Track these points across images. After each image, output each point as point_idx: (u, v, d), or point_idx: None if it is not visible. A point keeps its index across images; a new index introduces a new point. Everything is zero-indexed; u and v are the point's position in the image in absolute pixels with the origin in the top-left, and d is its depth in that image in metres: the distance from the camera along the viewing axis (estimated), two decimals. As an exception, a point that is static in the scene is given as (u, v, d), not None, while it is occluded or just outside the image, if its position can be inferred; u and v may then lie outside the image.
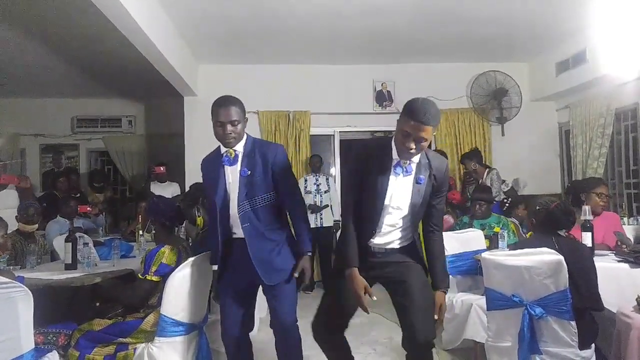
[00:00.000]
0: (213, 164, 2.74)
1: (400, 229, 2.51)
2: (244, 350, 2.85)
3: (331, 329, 2.65)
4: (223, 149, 2.71)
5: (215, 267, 2.78)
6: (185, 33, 5.40)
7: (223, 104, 2.63)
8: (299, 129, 6.63)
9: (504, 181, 5.84)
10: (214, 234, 2.74)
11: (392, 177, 2.44)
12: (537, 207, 2.87)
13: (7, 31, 5.14)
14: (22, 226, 4.16)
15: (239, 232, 2.71)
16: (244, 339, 2.84)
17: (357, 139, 6.86)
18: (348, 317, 2.65)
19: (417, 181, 2.44)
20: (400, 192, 2.45)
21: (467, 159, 5.97)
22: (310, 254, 2.73)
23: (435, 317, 2.42)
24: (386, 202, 2.44)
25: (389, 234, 2.51)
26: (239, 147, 2.70)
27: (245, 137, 2.73)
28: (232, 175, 2.69)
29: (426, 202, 2.50)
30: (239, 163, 2.68)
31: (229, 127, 2.61)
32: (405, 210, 2.46)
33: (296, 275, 2.67)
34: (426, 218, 2.56)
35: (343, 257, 2.46)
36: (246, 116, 2.73)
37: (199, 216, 4.08)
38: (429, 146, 2.60)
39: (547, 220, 2.83)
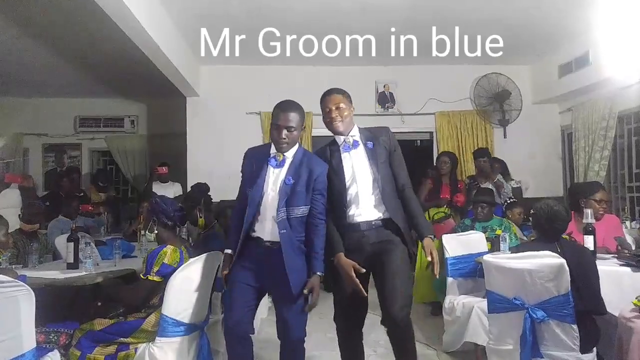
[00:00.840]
0: (258, 158, 2.73)
1: (376, 200, 2.68)
2: (246, 347, 2.80)
3: (349, 325, 2.80)
4: (273, 150, 2.70)
5: (228, 251, 2.74)
6: (188, 34, 5.40)
7: (284, 108, 2.63)
8: (301, 130, 6.62)
9: (512, 180, 5.82)
10: (239, 221, 2.71)
11: (344, 155, 2.74)
12: (532, 212, 2.91)
13: (10, 31, 5.16)
14: (24, 225, 4.17)
15: (261, 232, 2.67)
16: (246, 337, 2.80)
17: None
18: (359, 307, 2.75)
19: (366, 146, 2.73)
20: (356, 163, 2.71)
21: (480, 155, 5.91)
22: (320, 275, 2.65)
23: (429, 258, 2.55)
24: (347, 176, 2.69)
25: (368, 208, 2.68)
26: (289, 154, 2.68)
27: (297, 145, 2.73)
28: (273, 178, 2.66)
29: (387, 166, 2.72)
30: (284, 169, 2.66)
31: (284, 132, 2.59)
32: (369, 179, 2.68)
33: (306, 292, 2.60)
34: (395, 180, 2.75)
35: (329, 246, 2.65)
36: (304, 124, 2.73)
37: (200, 217, 4.09)
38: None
39: (536, 226, 2.88)
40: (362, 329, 2.86)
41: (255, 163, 2.73)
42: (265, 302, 4.63)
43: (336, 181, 2.71)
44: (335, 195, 2.71)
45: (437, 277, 2.64)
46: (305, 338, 2.72)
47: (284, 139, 2.61)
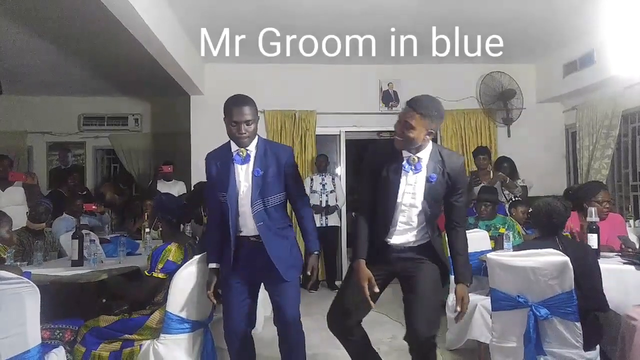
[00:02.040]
0: (221, 161, 2.74)
1: (415, 227, 2.55)
2: (247, 347, 2.86)
3: (343, 321, 2.69)
4: (234, 147, 2.72)
5: (213, 266, 2.75)
6: (192, 32, 5.41)
7: (237, 104, 2.64)
8: (305, 128, 6.63)
9: (518, 179, 5.81)
10: (216, 231, 2.74)
11: (402, 175, 2.49)
12: (530, 210, 2.90)
13: (14, 29, 5.17)
14: (30, 224, 4.18)
15: (246, 230, 2.72)
16: (247, 336, 2.85)
17: (367, 139, 6.85)
18: (358, 310, 2.67)
19: (428, 179, 2.47)
20: (411, 190, 2.49)
21: (479, 153, 5.91)
22: (318, 252, 2.81)
23: (458, 308, 2.50)
24: (398, 199, 2.50)
25: (405, 232, 2.56)
26: (251, 147, 2.71)
27: (256, 138, 2.75)
28: (243, 174, 2.69)
29: (439, 201, 2.54)
30: (251, 163, 2.69)
31: (244, 127, 2.62)
32: (417, 208, 2.51)
33: (309, 272, 2.72)
34: (447, 215, 2.61)
35: (353, 248, 2.57)
36: (257, 115, 2.74)
37: (205, 215, 4.10)
38: (436, 141, 2.62)
39: (535, 223, 2.88)
40: (360, 324, 2.79)
41: (219, 166, 2.74)
42: (269, 301, 4.63)
43: (385, 196, 2.52)
44: (380, 207, 2.55)
45: (456, 322, 2.65)
46: (305, 328, 2.80)
47: (244, 133, 2.63)
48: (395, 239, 2.56)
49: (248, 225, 2.70)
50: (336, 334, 2.73)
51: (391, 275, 2.66)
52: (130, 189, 8.18)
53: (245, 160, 2.69)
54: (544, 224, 2.85)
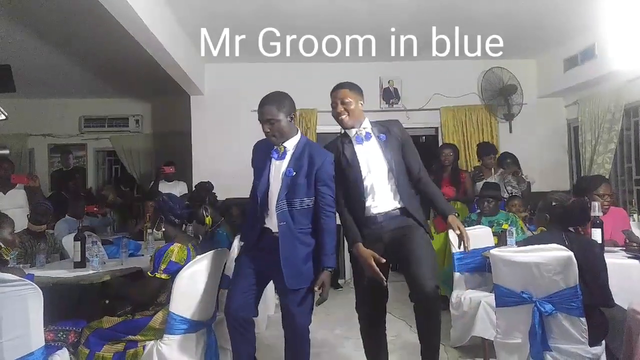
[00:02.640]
0: (263, 152, 2.77)
1: (390, 191, 2.73)
2: (247, 330, 2.76)
3: (372, 312, 2.85)
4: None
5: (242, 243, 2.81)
6: (192, 32, 5.41)
7: (261, 104, 2.67)
8: (306, 127, 6.63)
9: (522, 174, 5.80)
10: (252, 214, 2.79)
11: (357, 148, 2.75)
12: (554, 203, 2.85)
13: (14, 31, 5.17)
14: (31, 225, 4.19)
15: (270, 225, 2.71)
16: (248, 320, 2.75)
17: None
18: (380, 295, 2.81)
19: (379, 139, 2.76)
20: (370, 155, 2.74)
21: (487, 152, 5.88)
22: (331, 270, 2.65)
23: (457, 232, 2.65)
24: (363, 170, 2.70)
25: (382, 198, 2.71)
26: (290, 145, 2.70)
27: (299, 136, 2.74)
28: (276, 171, 2.69)
29: (400, 157, 2.75)
30: (286, 161, 2.68)
31: (267, 126, 2.63)
32: (384, 170, 2.72)
33: (316, 289, 2.61)
34: (408, 170, 2.79)
35: (348, 237, 2.73)
36: (292, 113, 2.69)
37: (207, 216, 4.10)
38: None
39: (564, 217, 2.82)
40: (384, 317, 2.90)
41: (260, 156, 2.78)
42: (273, 299, 4.64)
43: (352, 173, 2.73)
44: (351, 187, 2.74)
45: (468, 251, 2.73)
46: (309, 327, 2.74)
47: (269, 132, 2.64)
48: (375, 210, 2.71)
49: (272, 220, 2.69)
50: (366, 323, 2.88)
51: (386, 251, 2.70)
52: (132, 190, 8.18)
53: (282, 157, 2.69)
54: (562, 223, 2.83)
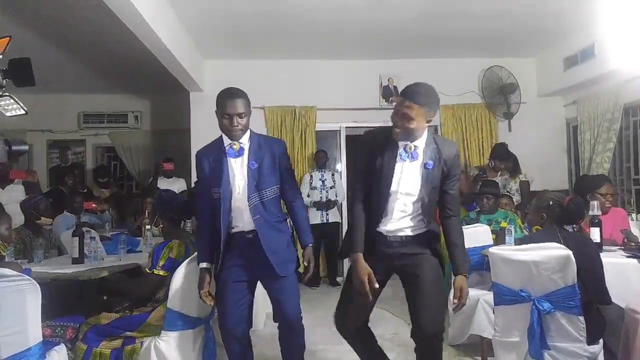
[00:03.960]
0: (214, 156, 2.69)
1: (412, 216, 2.51)
2: (245, 348, 2.78)
3: (350, 321, 2.68)
4: (226, 142, 2.68)
5: (203, 265, 2.68)
6: (191, 28, 5.40)
7: (230, 96, 2.60)
8: (305, 124, 6.62)
9: (520, 174, 5.82)
10: (206, 230, 2.69)
11: (398, 163, 2.45)
12: (551, 203, 2.84)
13: (14, 27, 5.15)
14: (45, 220, 4.20)
15: (241, 225, 2.68)
16: (244, 336, 2.76)
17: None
18: (363, 309, 2.65)
19: (425, 166, 2.44)
20: (407, 178, 2.45)
21: (500, 159, 5.86)
22: (312, 244, 2.80)
23: (455, 301, 2.46)
24: (393, 187, 2.45)
25: (401, 220, 2.50)
26: (244, 140, 2.68)
27: (248, 131, 2.72)
28: (237, 168, 2.66)
29: (437, 188, 2.50)
30: (245, 156, 2.66)
31: (236, 120, 2.59)
32: (414, 196, 2.46)
33: (305, 264, 2.72)
34: (441, 204, 2.57)
35: (350, 241, 2.50)
36: (250, 109, 2.70)
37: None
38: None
39: (562, 216, 2.82)
40: (367, 326, 2.78)
41: (212, 161, 2.69)
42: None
43: (379, 185, 2.47)
44: (373, 194, 2.50)
45: (454, 312, 2.58)
46: (301, 315, 2.76)
47: (237, 126, 2.59)
48: (390, 227, 2.51)
49: (243, 220, 2.66)
50: (343, 334, 2.71)
51: (390, 271, 2.62)
52: (111, 178, 8.02)
53: (239, 153, 2.66)
54: (559, 221, 2.83)
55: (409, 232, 2.53)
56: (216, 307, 2.80)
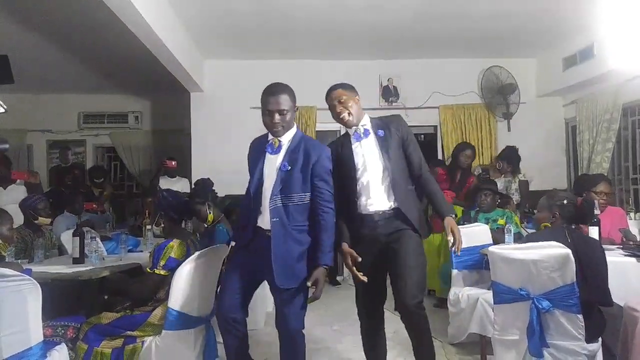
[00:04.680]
0: (258, 148, 2.70)
1: (385, 189, 2.72)
2: (238, 331, 2.68)
3: (368, 313, 2.86)
4: (270, 136, 2.65)
5: (234, 244, 2.75)
6: (191, 28, 5.40)
7: (273, 92, 2.56)
8: (305, 124, 6.63)
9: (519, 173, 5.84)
10: (245, 213, 2.71)
11: (354, 146, 2.77)
12: (565, 202, 2.86)
13: (14, 27, 5.16)
14: (43, 220, 4.19)
15: (262, 223, 2.60)
16: (239, 320, 2.67)
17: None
18: (375, 295, 2.83)
19: (378, 134, 2.75)
20: (367, 154, 2.73)
21: (509, 162, 5.87)
22: (326, 268, 2.53)
23: (451, 238, 2.62)
24: (358, 166, 2.71)
25: (377, 197, 2.70)
26: (285, 139, 2.62)
27: (295, 130, 2.66)
28: (270, 165, 2.61)
29: (398, 154, 2.74)
30: (281, 155, 2.59)
31: (277, 117, 2.53)
32: (380, 167, 2.71)
33: (309, 284, 2.50)
34: (410, 169, 2.78)
35: (335, 241, 2.63)
36: (296, 106, 2.66)
37: (210, 213, 4.10)
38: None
39: (575, 215, 2.85)
40: (382, 318, 2.91)
41: (254, 153, 2.72)
42: (270, 297, 4.64)
43: (346, 171, 2.73)
44: (345, 185, 2.73)
45: (459, 254, 2.80)
46: (303, 330, 2.63)
47: (278, 122, 2.54)
48: (371, 208, 2.71)
49: (265, 218, 2.58)
50: (364, 322, 2.89)
51: (381, 254, 2.73)
52: (106, 178, 8.00)
53: (276, 151, 2.61)
54: (571, 221, 2.88)
55: (387, 207, 2.72)
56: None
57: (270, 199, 2.53)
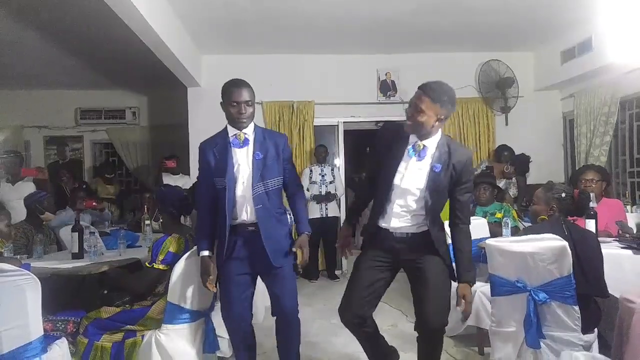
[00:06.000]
0: (218, 147, 2.73)
1: (414, 214, 2.53)
2: (250, 337, 2.89)
3: (351, 311, 2.64)
4: (231, 132, 2.72)
5: (205, 253, 2.70)
6: (188, 23, 5.39)
7: (236, 85, 2.68)
8: (303, 119, 6.63)
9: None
10: (207, 218, 2.74)
11: (404, 159, 2.50)
12: (563, 195, 2.87)
13: (10, 23, 5.15)
14: (49, 215, 4.23)
15: (243, 216, 2.71)
16: (249, 326, 2.86)
17: (365, 129, 6.83)
18: (366, 301, 2.63)
19: (433, 168, 2.45)
20: (411, 175, 2.48)
21: (514, 163, 5.96)
22: (308, 234, 2.82)
23: (458, 308, 2.47)
24: (395, 181, 2.49)
25: (403, 217, 2.54)
26: (249, 131, 2.74)
27: (252, 123, 2.77)
28: (242, 158, 2.70)
29: (443, 193, 2.51)
30: (250, 146, 2.71)
31: (244, 107, 2.65)
32: (416, 194, 2.48)
33: (294, 249, 2.74)
34: (451, 210, 2.59)
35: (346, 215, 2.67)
36: (255, 99, 2.76)
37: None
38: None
39: (573, 208, 2.87)
40: (373, 323, 2.78)
41: (217, 151, 2.73)
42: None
43: (383, 177, 2.54)
44: (377, 190, 2.58)
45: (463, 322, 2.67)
46: (298, 315, 2.82)
47: (244, 113, 2.66)
48: (394, 224, 2.55)
49: (246, 211, 2.70)
50: (347, 325, 2.69)
51: (397, 267, 2.65)
52: (116, 174, 8.05)
53: (244, 143, 2.71)
54: (569, 213, 2.89)
55: (411, 230, 2.55)
56: (219, 299, 2.85)
57: (252, 188, 2.66)
